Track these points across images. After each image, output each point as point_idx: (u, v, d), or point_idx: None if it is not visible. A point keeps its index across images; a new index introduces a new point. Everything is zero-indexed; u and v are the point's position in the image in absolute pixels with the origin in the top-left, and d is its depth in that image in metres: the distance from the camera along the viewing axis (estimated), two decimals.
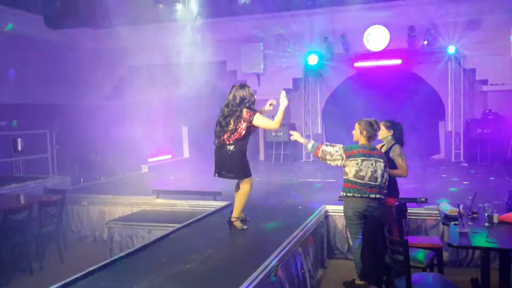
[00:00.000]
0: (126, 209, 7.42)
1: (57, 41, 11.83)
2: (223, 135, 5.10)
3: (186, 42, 11.28)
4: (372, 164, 4.73)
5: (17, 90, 10.75)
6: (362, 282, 5.07)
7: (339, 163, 4.82)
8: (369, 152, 4.79)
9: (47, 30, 11.18)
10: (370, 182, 4.72)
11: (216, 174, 5.27)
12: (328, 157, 4.83)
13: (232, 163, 5.10)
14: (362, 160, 4.72)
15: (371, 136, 4.89)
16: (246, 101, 5.06)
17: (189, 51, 11.33)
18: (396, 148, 5.19)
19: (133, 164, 11.68)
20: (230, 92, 5.15)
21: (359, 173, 4.71)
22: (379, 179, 4.75)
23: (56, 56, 11.96)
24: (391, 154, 5.15)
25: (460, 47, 11.36)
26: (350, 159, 4.74)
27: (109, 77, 13.82)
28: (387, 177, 4.85)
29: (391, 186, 5.12)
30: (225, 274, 3.94)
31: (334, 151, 4.82)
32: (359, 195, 4.74)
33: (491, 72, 11.40)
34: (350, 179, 4.77)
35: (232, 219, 5.26)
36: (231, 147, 5.07)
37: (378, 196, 4.77)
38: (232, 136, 5.05)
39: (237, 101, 5.05)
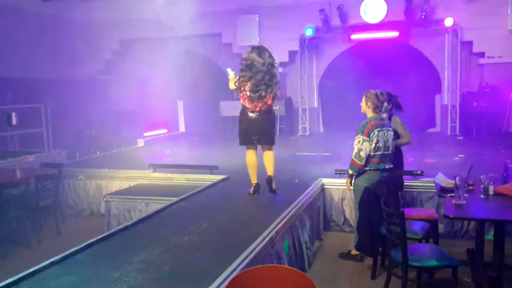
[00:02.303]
0: (123, 183, 7.40)
1: (48, 13, 11.58)
2: (266, 100, 5.12)
3: (180, 14, 11.07)
4: (384, 134, 4.79)
5: (9, 63, 10.56)
6: (358, 253, 5.16)
7: (370, 146, 4.74)
8: (381, 123, 4.83)
9: (38, 2, 10.94)
10: (384, 152, 4.79)
11: (255, 140, 5.32)
12: (363, 154, 4.73)
13: (272, 128, 5.30)
14: (378, 132, 4.74)
15: (376, 107, 4.90)
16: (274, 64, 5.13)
17: (183, 23, 11.14)
18: (396, 118, 5.24)
19: (128, 138, 11.65)
20: (263, 54, 5.05)
21: (377, 144, 4.74)
22: (390, 148, 4.85)
23: (48, 29, 11.72)
24: (393, 126, 5.16)
25: (457, 20, 11.25)
26: (370, 135, 4.74)
27: (102, 50, 13.61)
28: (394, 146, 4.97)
29: (398, 158, 5.23)
30: (223, 246, 3.96)
31: (360, 146, 4.73)
32: (375, 168, 4.79)
33: (488, 45, 11.32)
34: (370, 154, 4.75)
35: (272, 178, 5.47)
36: (270, 114, 5.21)
37: (391, 166, 4.89)
38: (274, 100, 5.20)
39: (270, 67, 5.07)
